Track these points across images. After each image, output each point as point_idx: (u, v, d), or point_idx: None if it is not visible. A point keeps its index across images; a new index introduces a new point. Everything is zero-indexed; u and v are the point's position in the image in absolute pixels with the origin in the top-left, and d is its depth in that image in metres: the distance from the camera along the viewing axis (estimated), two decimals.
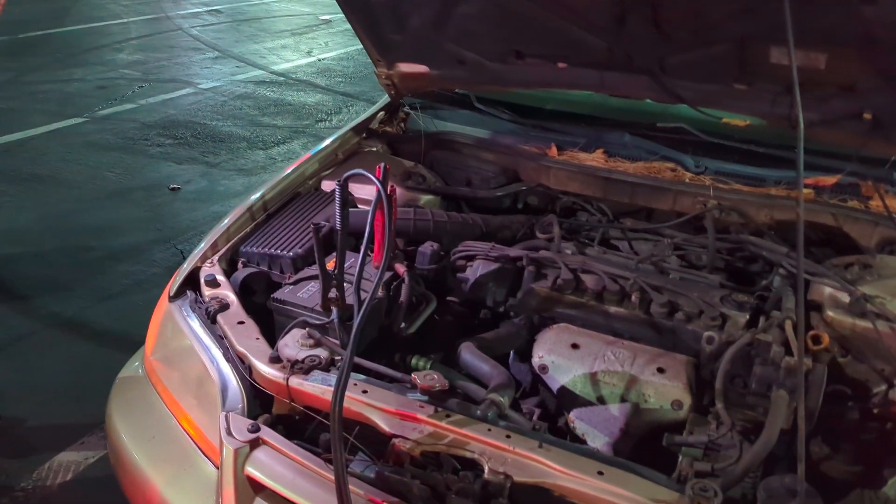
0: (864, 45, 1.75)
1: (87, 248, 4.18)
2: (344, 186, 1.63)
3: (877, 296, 1.70)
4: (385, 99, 2.74)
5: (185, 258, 2.06)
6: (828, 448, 1.63)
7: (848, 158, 2.12)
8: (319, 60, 8.96)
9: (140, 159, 5.59)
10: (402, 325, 1.86)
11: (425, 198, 2.33)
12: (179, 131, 6.21)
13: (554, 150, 2.46)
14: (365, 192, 2.24)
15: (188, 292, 1.93)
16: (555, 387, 1.77)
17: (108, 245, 4.23)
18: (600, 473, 1.33)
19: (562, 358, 1.77)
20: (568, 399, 1.74)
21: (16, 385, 3.00)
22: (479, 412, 1.49)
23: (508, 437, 1.42)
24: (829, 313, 1.70)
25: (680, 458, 1.50)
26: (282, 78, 8.10)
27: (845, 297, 1.71)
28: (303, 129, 6.48)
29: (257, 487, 1.51)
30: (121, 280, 3.86)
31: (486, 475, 1.36)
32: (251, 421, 1.54)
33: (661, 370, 1.69)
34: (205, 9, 11.79)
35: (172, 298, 1.92)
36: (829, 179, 2.13)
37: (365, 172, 1.61)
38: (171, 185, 5.12)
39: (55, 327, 3.44)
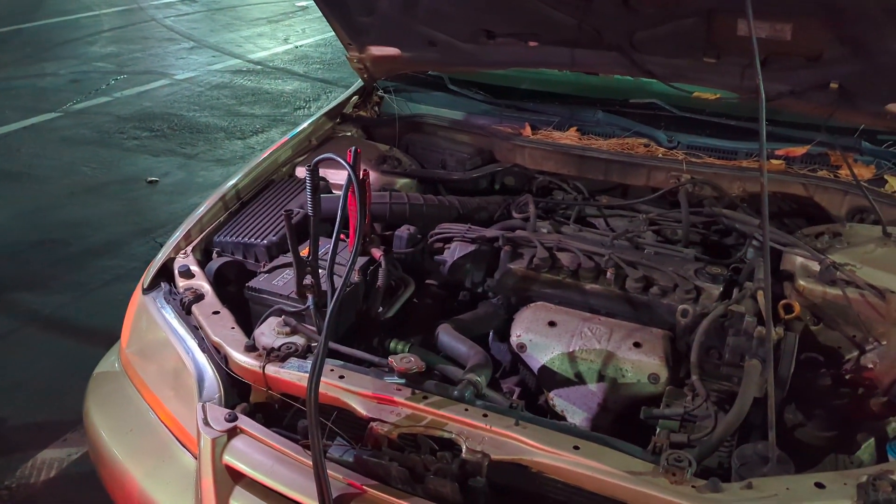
0: (829, 15, 1.76)
1: (64, 244, 4.14)
2: (314, 171, 1.61)
3: (846, 263, 1.71)
4: (358, 83, 2.72)
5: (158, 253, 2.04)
6: (801, 415, 1.66)
7: (817, 129, 2.13)
8: (296, 48, 8.88)
9: (116, 153, 5.53)
10: (380, 309, 1.85)
11: (401, 181, 2.32)
12: (156, 123, 6.14)
13: (528, 130, 2.46)
14: (340, 177, 2.24)
15: (162, 284, 1.92)
16: (533, 365, 1.78)
17: (85, 240, 4.20)
18: (576, 448, 1.34)
19: (539, 336, 1.78)
20: (547, 377, 1.75)
21: None
22: (456, 392, 1.49)
23: (485, 415, 1.42)
24: (801, 282, 1.72)
25: (657, 430, 1.51)
26: (259, 66, 8.03)
27: (816, 266, 1.73)
28: (281, 117, 6.43)
29: (236, 476, 1.51)
30: (100, 275, 3.83)
31: (463, 454, 1.36)
32: (228, 410, 1.54)
33: (637, 345, 1.70)
34: None
35: (146, 291, 1.90)
36: (799, 150, 2.14)
37: (335, 156, 1.60)
38: (149, 178, 5.07)
39: (34, 325, 3.42)
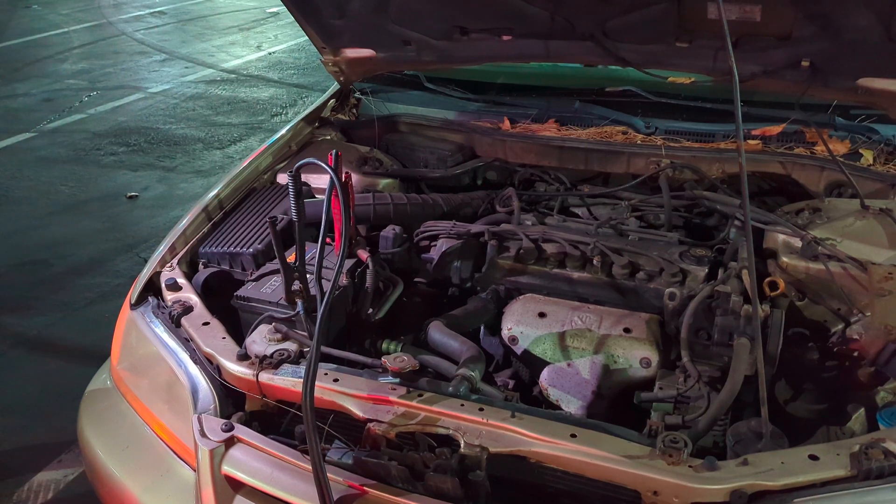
0: None
1: (46, 265, 4.11)
2: (296, 177, 1.61)
3: (827, 238, 1.74)
4: (335, 86, 2.72)
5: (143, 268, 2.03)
6: (791, 390, 1.68)
7: (791, 107, 2.16)
8: (270, 54, 8.84)
9: (94, 170, 5.49)
10: (370, 310, 1.86)
11: (384, 182, 2.33)
12: (132, 138, 6.10)
13: (507, 124, 2.47)
14: (322, 181, 2.23)
15: (150, 298, 1.91)
16: (526, 357, 1.79)
17: (67, 260, 4.16)
18: (573, 436, 1.35)
19: (530, 328, 1.79)
20: (539, 368, 1.76)
21: None
22: (450, 388, 1.50)
23: (481, 409, 1.43)
24: (784, 259, 1.74)
25: (651, 413, 1.53)
26: (233, 75, 7.98)
27: (798, 243, 1.75)
28: (258, 124, 6.40)
29: (236, 485, 1.51)
30: (84, 293, 3.80)
31: (462, 449, 1.37)
32: (224, 420, 1.54)
33: (627, 330, 1.72)
34: (147, 11, 11.54)
35: (134, 306, 1.89)
36: (775, 129, 2.17)
37: (316, 161, 1.60)
38: (129, 194, 5.03)
39: (21, 347, 3.38)
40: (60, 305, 3.70)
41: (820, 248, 1.71)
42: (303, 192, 1.68)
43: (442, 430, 1.42)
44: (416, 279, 2.10)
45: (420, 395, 1.48)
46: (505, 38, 2.29)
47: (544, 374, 1.74)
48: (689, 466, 1.28)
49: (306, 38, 2.49)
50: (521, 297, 1.89)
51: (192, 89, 7.46)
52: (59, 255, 4.22)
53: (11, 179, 5.31)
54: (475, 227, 2.06)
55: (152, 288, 1.94)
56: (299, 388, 1.49)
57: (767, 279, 1.69)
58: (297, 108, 6.73)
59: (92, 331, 3.41)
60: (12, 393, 3.07)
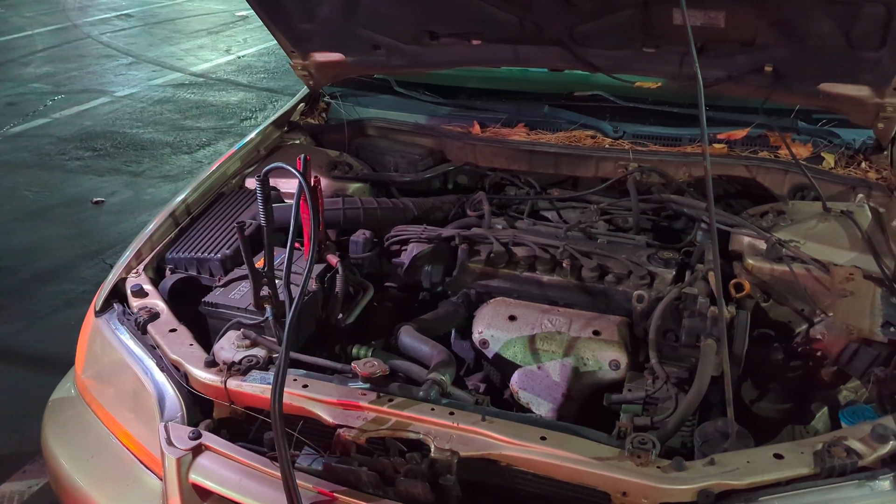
0: (760, 1, 1.81)
1: (10, 272, 4.02)
2: (265, 181, 1.60)
3: (791, 240, 1.77)
4: (304, 90, 2.71)
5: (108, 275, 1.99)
6: (757, 390, 1.71)
7: (755, 111, 2.20)
8: (239, 58, 8.76)
9: (59, 175, 5.39)
10: (340, 315, 1.85)
11: (353, 186, 2.32)
12: (98, 142, 6.00)
13: (477, 128, 2.47)
14: (291, 185, 2.21)
15: (115, 305, 1.88)
16: (496, 360, 1.79)
17: (32, 266, 4.07)
18: (543, 439, 1.36)
19: (501, 331, 1.79)
20: (510, 371, 1.77)
21: None
22: (421, 393, 1.50)
23: (452, 413, 1.43)
24: (749, 261, 1.77)
25: (620, 415, 1.54)
26: (201, 79, 7.90)
27: (762, 245, 1.78)
28: (227, 128, 6.34)
29: (204, 494, 1.49)
30: (50, 301, 3.73)
31: (432, 454, 1.37)
32: (191, 428, 1.52)
33: (596, 332, 1.73)
34: (114, 14, 11.37)
35: (99, 313, 1.86)
36: (740, 133, 2.20)
37: (285, 165, 1.59)
38: (94, 199, 4.95)
39: None
40: (25, 313, 3.62)
41: (784, 249, 1.74)
42: (271, 196, 1.67)
43: (412, 435, 1.42)
44: (386, 284, 2.10)
45: (390, 401, 1.48)
46: (475, 42, 2.30)
47: (515, 378, 1.75)
48: (658, 467, 1.29)
49: (276, 42, 2.48)
50: (491, 301, 1.90)
51: (159, 93, 7.37)
52: (23, 261, 4.13)
53: None
54: (446, 231, 2.06)
55: (118, 294, 1.91)
56: (268, 395, 1.47)
57: (733, 281, 1.71)
58: (266, 112, 6.68)
59: (57, 339, 3.34)
60: None
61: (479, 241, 2.02)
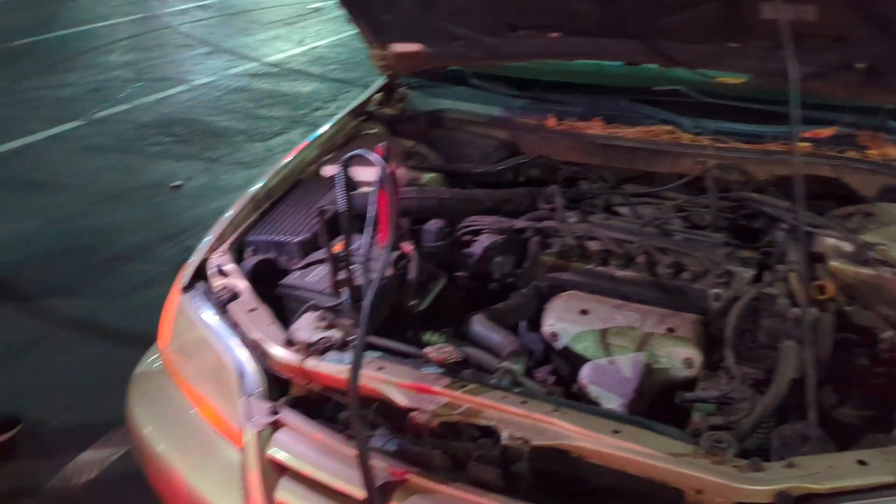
0: None
1: (92, 251, 4.21)
2: (346, 167, 1.64)
3: (879, 243, 1.71)
4: (381, 80, 2.74)
5: (192, 254, 2.07)
6: (838, 395, 1.66)
7: (843, 110, 2.12)
8: (312, 49, 8.93)
9: (139, 159, 5.61)
10: (413, 302, 1.88)
11: (427, 176, 2.34)
12: (176, 129, 6.21)
13: (553, 121, 2.46)
14: (366, 174, 2.25)
15: (199, 284, 1.95)
16: (566, 354, 1.79)
17: (112, 246, 4.26)
18: (616, 432, 1.36)
19: (572, 325, 1.79)
20: (579, 365, 1.76)
21: (35, 388, 3.04)
22: (493, 380, 1.51)
23: (524, 402, 1.44)
24: (833, 263, 1.72)
25: (693, 413, 1.52)
26: (276, 69, 8.09)
27: (848, 247, 1.73)
28: (300, 118, 6.48)
29: (281, 469, 1.54)
30: (129, 280, 3.90)
31: (504, 441, 1.38)
32: (271, 404, 1.57)
33: (670, 329, 1.71)
34: (193, 5, 11.74)
35: (184, 291, 1.94)
36: (826, 131, 2.13)
37: (366, 153, 1.63)
38: (172, 184, 5.13)
39: (68, 329, 3.48)
40: (106, 291, 3.80)
41: (871, 253, 1.69)
42: (350, 183, 1.71)
43: (484, 422, 1.44)
44: (457, 273, 2.12)
45: (463, 386, 1.49)
46: (553, 35, 2.29)
47: (585, 371, 1.74)
48: (734, 466, 1.27)
49: (348, 33, 2.55)
50: (563, 294, 1.89)
51: (235, 82, 7.58)
52: (104, 241, 4.33)
53: (60, 166, 5.46)
54: (518, 223, 2.06)
55: (201, 274, 1.99)
56: (344, 375, 1.52)
57: (816, 283, 1.67)
58: (338, 103, 6.79)
59: (136, 316, 3.48)
60: (60, 374, 3.16)
61: (551, 234, 2.02)
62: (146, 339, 2.14)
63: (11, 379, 3.09)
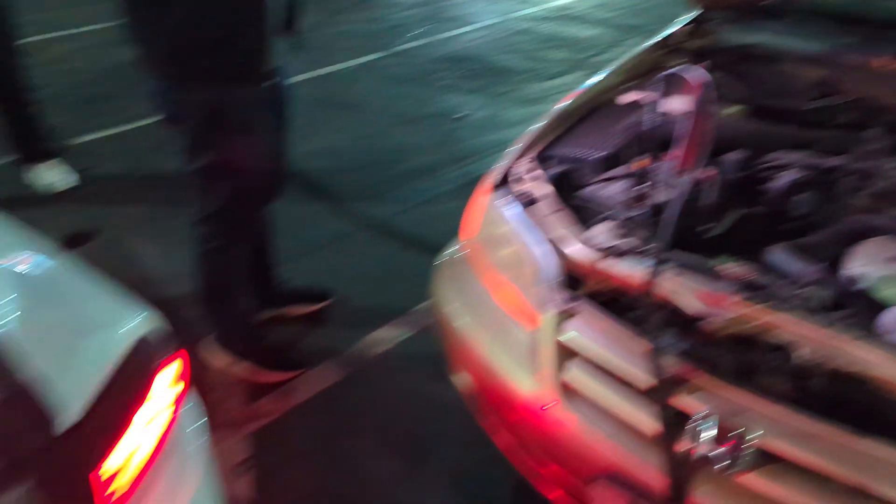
0: None
1: (390, 165, 4.72)
2: (665, 82, 1.71)
3: None
4: (691, 13, 2.72)
5: (472, 179, 2.25)
6: None
7: None
8: None
9: (429, 90, 6.08)
10: (709, 225, 1.91)
11: (731, 108, 2.31)
12: (463, 65, 6.61)
13: (879, 61, 2.27)
14: (672, 104, 2.28)
15: (504, 187, 2.15)
16: (863, 299, 1.71)
17: (404, 164, 4.73)
18: None
19: (878, 269, 1.70)
20: (876, 312, 1.67)
21: (341, 272, 3.55)
22: (792, 302, 1.52)
23: (826, 326, 1.43)
24: None
25: None
26: (561, 13, 8.19)
27: None
28: (579, 62, 6.54)
29: (569, 353, 1.70)
30: (419, 195, 4.32)
31: (801, 358, 1.39)
32: (568, 292, 1.73)
33: None
34: None
35: (493, 189, 2.15)
36: None
37: (686, 70, 1.68)
38: (457, 115, 5.51)
39: (369, 229, 3.99)
40: (401, 200, 4.27)
41: None
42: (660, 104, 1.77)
43: (779, 339, 1.46)
44: (755, 206, 2.09)
45: (760, 302, 1.52)
46: None
47: (886, 318, 1.66)
48: None
49: None
50: (875, 238, 1.80)
51: (519, 24, 7.82)
52: (397, 159, 4.82)
53: (366, 91, 6.11)
54: (828, 162, 1.98)
55: (507, 179, 2.19)
56: (638, 278, 1.62)
57: None
58: (619, 48, 6.72)
59: (424, 225, 3.89)
60: (361, 264, 3.66)
61: (865, 178, 1.91)
62: (431, 245, 2.40)
63: (323, 263, 3.64)
